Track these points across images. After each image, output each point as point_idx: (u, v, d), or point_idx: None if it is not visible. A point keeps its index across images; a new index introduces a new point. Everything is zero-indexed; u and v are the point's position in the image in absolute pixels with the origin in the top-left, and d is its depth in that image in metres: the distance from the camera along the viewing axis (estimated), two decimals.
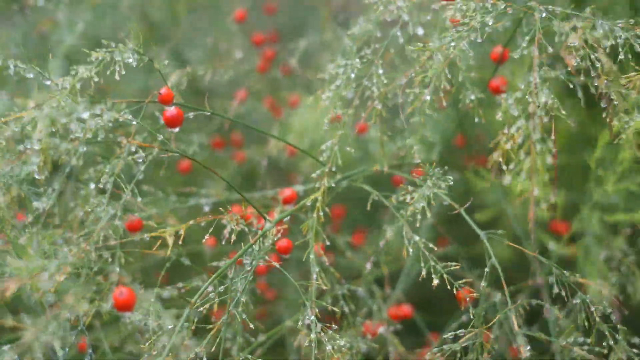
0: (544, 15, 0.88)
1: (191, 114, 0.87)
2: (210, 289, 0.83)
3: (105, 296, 0.90)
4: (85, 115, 0.76)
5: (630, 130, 0.86)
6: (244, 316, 0.84)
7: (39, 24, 1.24)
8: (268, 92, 1.35)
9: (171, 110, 0.82)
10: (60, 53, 1.17)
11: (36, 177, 0.77)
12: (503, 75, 0.95)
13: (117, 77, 0.81)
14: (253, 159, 1.32)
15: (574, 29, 0.85)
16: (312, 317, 0.83)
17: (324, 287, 0.86)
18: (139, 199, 0.88)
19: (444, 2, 0.91)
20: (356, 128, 0.93)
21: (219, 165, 1.25)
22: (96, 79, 0.80)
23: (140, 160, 0.84)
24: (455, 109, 0.91)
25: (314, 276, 0.85)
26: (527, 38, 0.91)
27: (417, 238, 0.86)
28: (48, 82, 0.88)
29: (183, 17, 1.31)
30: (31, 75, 0.85)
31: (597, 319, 0.88)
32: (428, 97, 0.86)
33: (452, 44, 0.85)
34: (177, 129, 0.84)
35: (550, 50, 0.88)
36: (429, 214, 0.86)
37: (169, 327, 0.82)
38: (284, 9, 1.51)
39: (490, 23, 0.87)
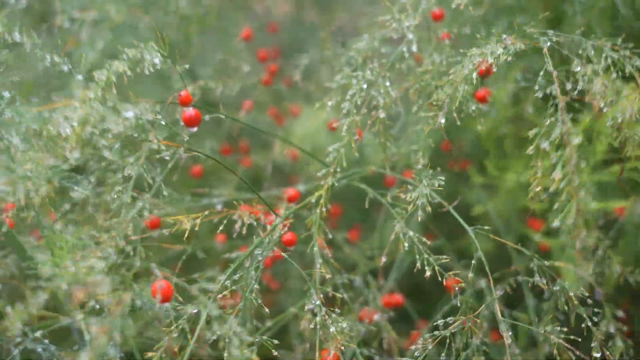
0: (548, 44, 0.87)
1: (207, 117, 0.87)
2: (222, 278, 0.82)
3: (128, 287, 0.88)
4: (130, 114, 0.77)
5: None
6: (259, 301, 0.83)
7: (65, 42, 1.22)
8: (272, 103, 1.35)
9: (190, 110, 0.82)
10: (83, 68, 1.16)
11: (67, 156, 0.76)
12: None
13: (146, 72, 0.81)
14: (258, 163, 1.31)
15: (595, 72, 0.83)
16: (317, 302, 0.82)
17: (327, 276, 0.85)
18: (157, 200, 0.87)
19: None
20: (357, 134, 0.91)
21: (228, 170, 1.24)
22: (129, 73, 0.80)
23: (166, 157, 0.84)
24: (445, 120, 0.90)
25: (318, 265, 0.84)
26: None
27: (411, 233, 0.84)
28: (80, 77, 0.87)
29: (195, 37, 1.29)
30: (65, 68, 0.86)
31: (576, 302, 0.86)
32: (443, 120, 0.86)
33: (466, 71, 0.85)
34: (195, 129, 0.84)
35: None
36: (429, 209, 0.85)
37: (192, 311, 0.80)
38: (286, 28, 1.51)
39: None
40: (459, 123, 0.92)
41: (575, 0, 1.11)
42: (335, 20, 1.49)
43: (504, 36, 0.89)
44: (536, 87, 0.85)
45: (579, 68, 0.84)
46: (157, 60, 0.82)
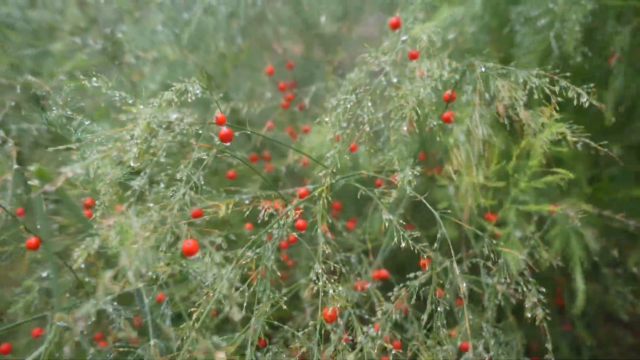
0: (482, 69, 0.89)
1: (237, 133, 0.87)
2: (250, 254, 0.84)
3: (177, 262, 0.91)
4: (173, 116, 0.79)
5: (538, 143, 0.87)
6: (275, 268, 0.86)
7: (131, 75, 1.24)
8: (288, 122, 1.36)
9: (224, 129, 0.83)
10: (145, 96, 1.17)
11: (132, 164, 0.77)
12: (452, 110, 0.97)
13: (189, 99, 0.82)
14: (277, 168, 1.32)
15: (503, 86, 0.86)
16: (319, 270, 0.83)
17: (327, 252, 0.86)
18: (199, 195, 0.88)
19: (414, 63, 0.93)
20: (350, 145, 0.93)
21: (255, 173, 1.26)
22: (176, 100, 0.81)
23: (204, 157, 0.85)
24: (420, 134, 0.92)
25: (321, 244, 0.85)
26: (470, 86, 0.93)
27: (392, 217, 0.86)
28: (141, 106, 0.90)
29: (229, 71, 1.31)
30: (130, 101, 0.86)
31: (515, 273, 0.89)
32: (405, 128, 0.88)
33: (421, 89, 0.87)
34: (228, 143, 0.85)
35: (486, 96, 0.90)
36: (409, 190, 0.87)
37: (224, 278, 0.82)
38: (299, 64, 1.51)
39: (445, 75, 0.89)
40: (431, 138, 0.94)
41: (521, 45, 1.13)
42: (337, 57, 1.50)
43: (447, 65, 0.92)
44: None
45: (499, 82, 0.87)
46: (197, 91, 0.83)
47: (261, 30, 1.48)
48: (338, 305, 0.82)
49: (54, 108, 0.86)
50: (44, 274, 1.05)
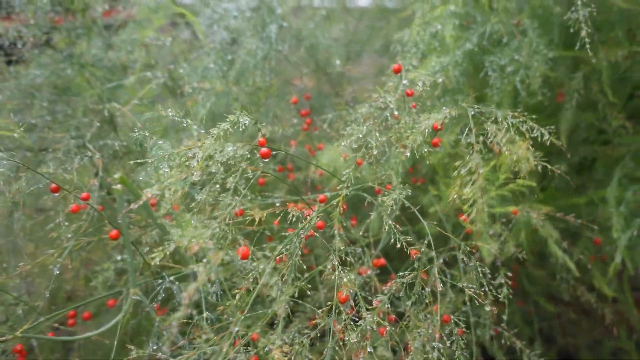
0: (473, 113, 0.90)
1: (274, 152, 0.89)
2: (282, 249, 0.86)
3: (224, 249, 0.92)
4: (230, 149, 0.79)
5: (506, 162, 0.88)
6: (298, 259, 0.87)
7: (186, 102, 1.25)
8: (306, 142, 1.36)
9: (264, 149, 0.85)
10: (197, 119, 1.18)
11: (195, 179, 0.79)
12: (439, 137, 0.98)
13: (241, 129, 0.82)
14: (299, 178, 1.33)
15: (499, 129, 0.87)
16: (336, 262, 0.85)
17: (341, 247, 0.87)
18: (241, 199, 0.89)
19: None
20: (357, 161, 0.94)
21: (280, 181, 1.27)
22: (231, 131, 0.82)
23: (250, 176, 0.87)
24: (412, 154, 0.93)
25: (337, 242, 0.87)
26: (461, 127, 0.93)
27: (390, 222, 0.88)
28: (197, 132, 0.91)
29: (262, 101, 1.31)
30: (185, 123, 0.88)
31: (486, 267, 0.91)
32: (408, 154, 0.89)
33: (423, 127, 0.89)
34: (267, 160, 0.86)
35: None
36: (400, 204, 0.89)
37: (261, 266, 0.84)
38: (313, 97, 1.52)
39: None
40: (419, 157, 0.95)
41: (493, 86, 1.15)
42: (344, 91, 1.52)
43: (445, 108, 0.93)
44: (463, 138, 0.89)
45: (492, 127, 0.88)
46: (247, 122, 0.84)
47: (285, 69, 1.50)
48: (348, 290, 0.83)
49: (136, 129, 0.87)
50: (119, 258, 1.06)
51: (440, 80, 0.95)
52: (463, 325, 0.90)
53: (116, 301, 1.02)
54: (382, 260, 1.08)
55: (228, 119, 0.82)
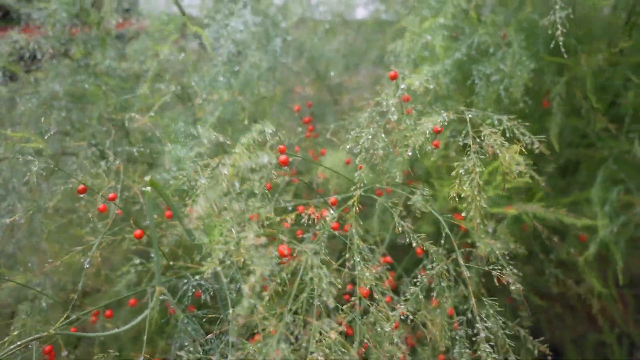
0: (470, 116, 0.96)
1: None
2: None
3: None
4: (265, 160, 0.83)
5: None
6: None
7: (196, 111, 1.28)
8: (310, 147, 1.39)
9: (283, 156, 0.89)
10: (207, 127, 1.21)
11: (224, 187, 0.81)
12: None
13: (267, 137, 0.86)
14: (303, 181, 1.35)
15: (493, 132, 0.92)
16: (358, 259, 0.90)
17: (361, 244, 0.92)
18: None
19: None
20: (358, 167, 0.98)
21: (287, 184, 1.30)
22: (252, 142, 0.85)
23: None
24: (408, 157, 0.97)
25: (355, 241, 0.91)
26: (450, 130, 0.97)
27: (403, 223, 0.93)
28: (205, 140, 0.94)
29: (267, 108, 1.34)
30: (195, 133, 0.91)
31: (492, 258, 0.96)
32: (410, 153, 0.93)
33: (424, 128, 0.94)
34: (286, 167, 0.90)
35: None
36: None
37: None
38: (315, 104, 1.55)
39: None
40: (414, 160, 0.99)
41: (479, 94, 1.21)
42: (342, 99, 1.57)
43: (443, 112, 0.97)
44: (460, 139, 0.93)
45: (486, 131, 0.92)
46: (270, 131, 0.87)
47: (288, 78, 1.54)
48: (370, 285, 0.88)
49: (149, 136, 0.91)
50: (137, 261, 1.10)
51: (432, 87, 0.99)
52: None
53: (137, 301, 1.06)
54: (389, 258, 1.13)
55: (254, 128, 0.86)
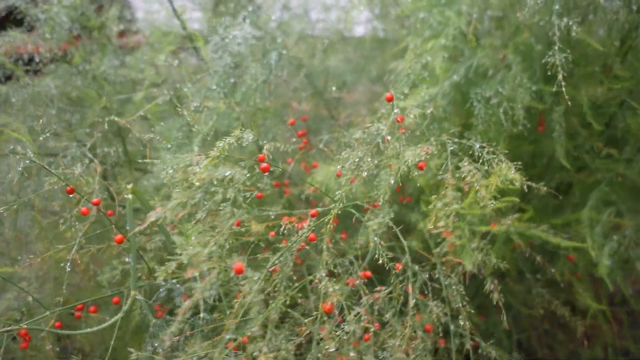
0: (452, 148, 0.93)
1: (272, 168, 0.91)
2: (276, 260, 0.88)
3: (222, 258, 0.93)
4: (227, 173, 0.81)
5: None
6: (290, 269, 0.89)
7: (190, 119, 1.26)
8: (304, 160, 1.37)
9: (264, 164, 0.87)
10: (199, 136, 1.19)
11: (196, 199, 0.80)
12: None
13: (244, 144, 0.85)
14: (294, 193, 1.34)
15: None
16: (324, 274, 0.87)
17: (329, 259, 0.90)
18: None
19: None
20: (351, 180, 0.95)
21: (278, 196, 1.28)
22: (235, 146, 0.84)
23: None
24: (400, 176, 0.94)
25: (324, 255, 0.89)
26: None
27: (375, 239, 0.91)
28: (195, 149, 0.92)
29: (261, 121, 1.32)
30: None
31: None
32: (392, 181, 0.92)
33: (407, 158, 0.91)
34: (267, 174, 0.88)
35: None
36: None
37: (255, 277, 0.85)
38: (312, 119, 1.53)
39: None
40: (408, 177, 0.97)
41: (478, 116, 1.18)
42: (339, 115, 1.54)
43: (426, 146, 0.94)
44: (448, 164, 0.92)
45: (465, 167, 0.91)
46: (250, 137, 0.86)
47: (285, 92, 1.52)
48: (334, 300, 0.86)
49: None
50: (127, 259, 1.07)
51: (429, 111, 0.97)
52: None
53: (120, 300, 1.03)
54: (368, 273, 1.09)
55: (232, 135, 0.84)
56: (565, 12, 1.12)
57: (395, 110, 0.91)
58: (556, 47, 0.99)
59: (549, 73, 1.04)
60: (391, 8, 1.66)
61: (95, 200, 0.91)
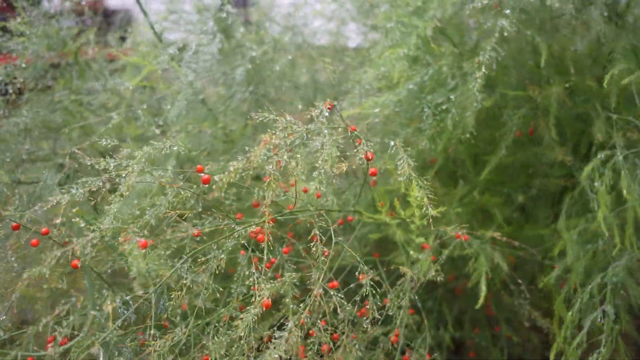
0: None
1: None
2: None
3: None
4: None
5: None
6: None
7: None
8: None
9: (205, 176, 0.85)
10: (173, 154, 1.18)
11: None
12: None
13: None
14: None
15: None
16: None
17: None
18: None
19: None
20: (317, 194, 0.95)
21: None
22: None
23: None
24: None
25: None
26: None
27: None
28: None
29: (238, 142, 1.30)
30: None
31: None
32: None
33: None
34: (207, 185, 0.87)
35: None
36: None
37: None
38: None
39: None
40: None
41: (426, 121, 1.14)
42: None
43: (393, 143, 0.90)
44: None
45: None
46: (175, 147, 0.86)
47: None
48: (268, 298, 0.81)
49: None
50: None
51: (376, 120, 0.94)
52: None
53: None
54: (335, 283, 1.05)
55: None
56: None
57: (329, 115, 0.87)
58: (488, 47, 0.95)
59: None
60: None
61: (44, 230, 0.90)
